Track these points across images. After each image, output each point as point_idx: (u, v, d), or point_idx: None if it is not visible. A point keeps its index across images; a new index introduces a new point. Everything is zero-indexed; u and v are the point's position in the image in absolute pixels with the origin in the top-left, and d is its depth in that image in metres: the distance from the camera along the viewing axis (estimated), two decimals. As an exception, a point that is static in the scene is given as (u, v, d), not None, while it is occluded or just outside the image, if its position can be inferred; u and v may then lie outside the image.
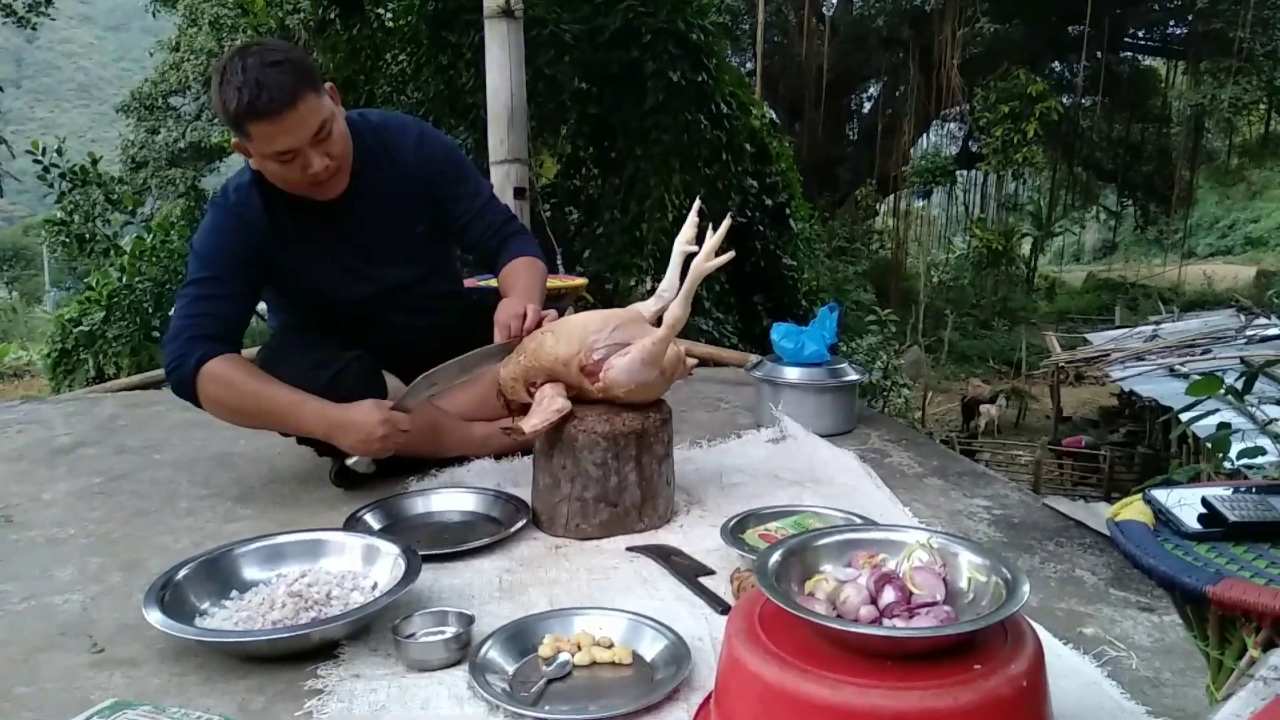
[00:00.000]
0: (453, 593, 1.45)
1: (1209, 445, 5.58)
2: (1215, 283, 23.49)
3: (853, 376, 2.32)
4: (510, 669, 1.21)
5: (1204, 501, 0.97)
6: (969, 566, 1.13)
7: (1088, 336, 15.49)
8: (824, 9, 22.09)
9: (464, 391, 2.09)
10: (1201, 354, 12.58)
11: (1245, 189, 25.95)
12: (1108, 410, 14.44)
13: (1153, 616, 1.40)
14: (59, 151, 8.19)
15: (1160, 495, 0.98)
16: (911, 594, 1.10)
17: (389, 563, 1.43)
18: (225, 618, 1.35)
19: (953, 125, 23.55)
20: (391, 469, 2.00)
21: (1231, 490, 1.00)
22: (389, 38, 8.35)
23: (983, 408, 13.84)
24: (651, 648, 1.24)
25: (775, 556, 1.14)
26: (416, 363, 2.00)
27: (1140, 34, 21.64)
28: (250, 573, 1.46)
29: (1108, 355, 13.61)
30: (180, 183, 15.31)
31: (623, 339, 1.66)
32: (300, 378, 1.80)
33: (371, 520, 1.71)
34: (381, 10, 8.47)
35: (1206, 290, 22.90)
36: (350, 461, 1.90)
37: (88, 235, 8.27)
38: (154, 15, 15.02)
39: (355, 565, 1.47)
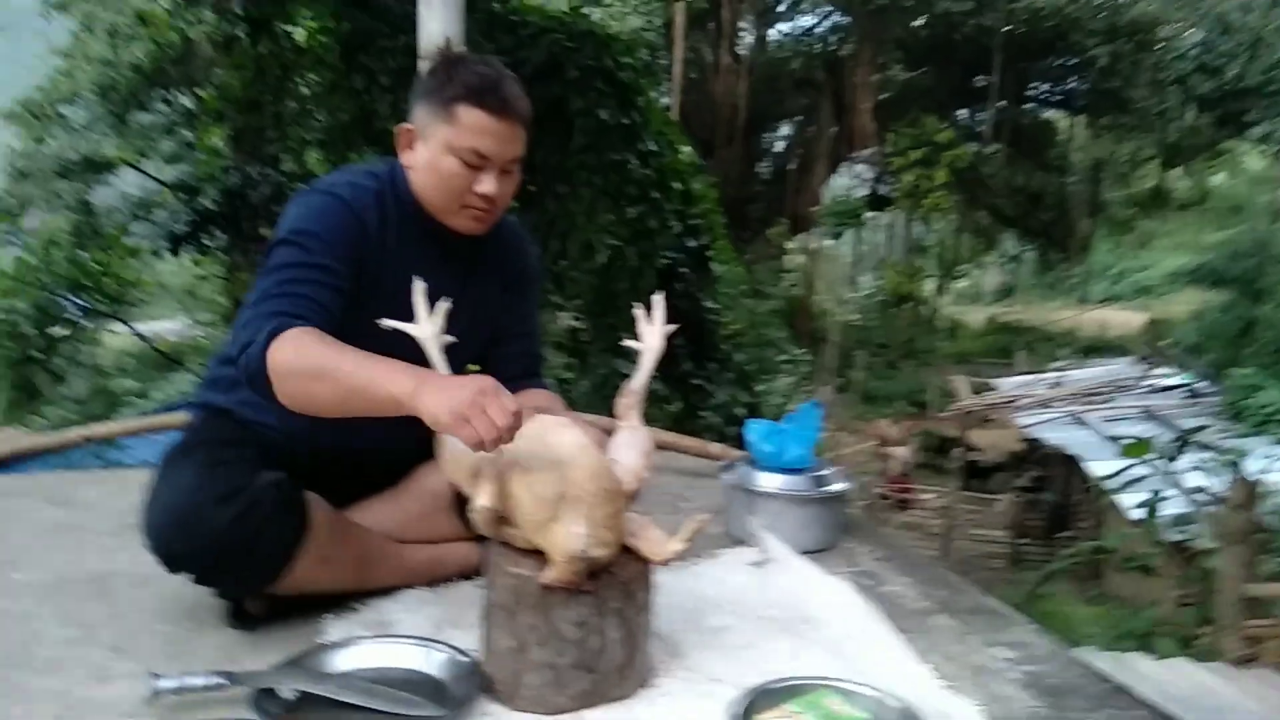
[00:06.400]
0: (393, 810, 1.13)
1: (1145, 516, 5.60)
2: (1109, 329, 24.35)
3: (841, 485, 2.07)
4: None
5: None
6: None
7: (992, 382, 15.82)
8: (739, 48, 22.38)
9: (390, 505, 1.75)
10: (1104, 402, 12.92)
11: (1136, 238, 27.16)
12: (1015, 454, 14.70)
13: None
14: (-71, 164, 7.51)
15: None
16: None
17: (312, 778, 1.11)
18: None
19: (863, 167, 24.01)
20: (302, 603, 1.61)
21: None
22: (300, 57, 7.91)
23: (894, 450, 13.91)
24: None
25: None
26: (351, 487, 1.71)
27: (1043, 88, 22.49)
28: (125, 791, 1.11)
29: (1014, 401, 13.89)
30: (68, 196, 14.34)
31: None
32: (198, 509, 1.45)
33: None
34: (292, 30, 8.02)
35: (1100, 336, 23.72)
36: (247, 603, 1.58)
37: (-41, 254, 7.60)
38: (47, 19, 14.10)
39: (266, 778, 1.14)
